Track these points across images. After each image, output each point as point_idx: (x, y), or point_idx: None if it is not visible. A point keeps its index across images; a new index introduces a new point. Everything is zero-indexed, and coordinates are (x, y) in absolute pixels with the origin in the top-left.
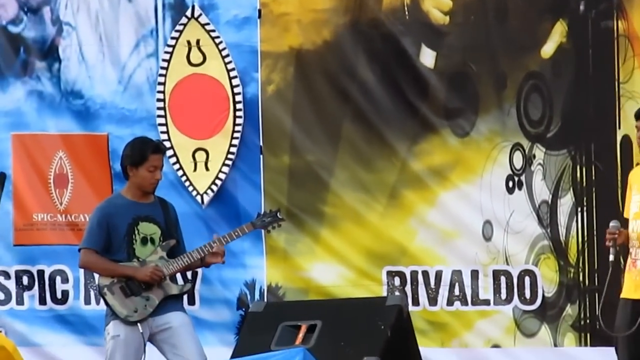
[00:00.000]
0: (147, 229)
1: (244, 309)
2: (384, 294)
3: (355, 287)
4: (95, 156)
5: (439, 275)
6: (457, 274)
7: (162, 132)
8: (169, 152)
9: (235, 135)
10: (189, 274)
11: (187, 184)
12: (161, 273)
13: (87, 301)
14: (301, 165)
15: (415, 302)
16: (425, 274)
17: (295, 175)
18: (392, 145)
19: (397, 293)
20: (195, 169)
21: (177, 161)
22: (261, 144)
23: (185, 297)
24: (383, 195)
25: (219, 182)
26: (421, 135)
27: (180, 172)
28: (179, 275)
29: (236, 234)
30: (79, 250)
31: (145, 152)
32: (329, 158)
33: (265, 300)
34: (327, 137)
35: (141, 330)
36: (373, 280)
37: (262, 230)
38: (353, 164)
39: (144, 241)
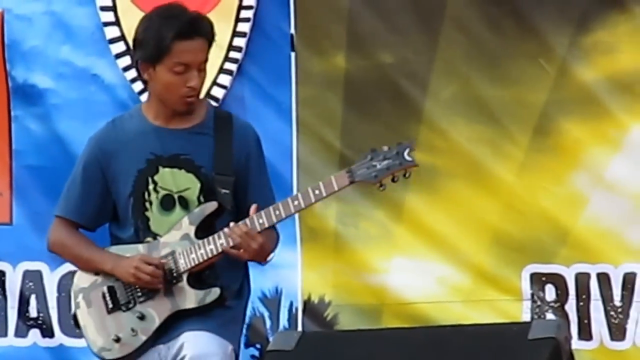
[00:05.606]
0: (173, 180)
1: (258, 346)
2: (526, 317)
3: (471, 305)
4: None
5: (628, 281)
6: None
7: (103, 9)
8: (118, 46)
9: (244, 14)
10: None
11: None
12: (151, 270)
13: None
14: (369, 73)
15: (585, 333)
16: (604, 278)
17: (357, 91)
18: (542, 35)
19: (550, 316)
20: None
21: (135, 62)
22: (292, 31)
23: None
24: (524, 130)
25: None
26: (596, 13)
27: (139, 83)
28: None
29: (315, 193)
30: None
31: (163, 36)
32: (422, 59)
33: (301, 328)
34: (418, 19)
35: None
36: (504, 292)
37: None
38: (467, 71)
39: (167, 203)
